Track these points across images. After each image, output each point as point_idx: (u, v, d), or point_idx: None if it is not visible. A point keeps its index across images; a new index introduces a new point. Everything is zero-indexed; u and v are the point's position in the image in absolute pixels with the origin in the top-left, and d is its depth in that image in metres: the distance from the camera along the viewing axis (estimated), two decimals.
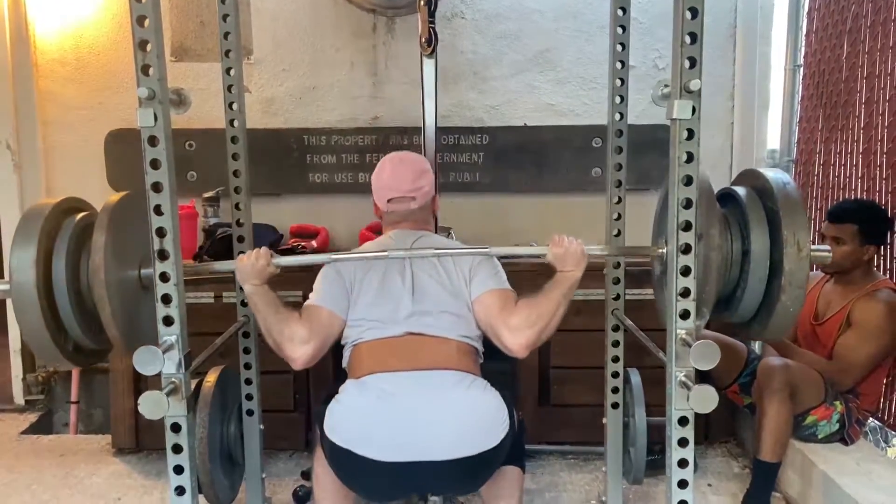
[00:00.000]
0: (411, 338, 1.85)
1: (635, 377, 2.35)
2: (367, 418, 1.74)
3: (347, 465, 1.76)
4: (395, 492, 1.95)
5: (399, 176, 2.04)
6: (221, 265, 2.00)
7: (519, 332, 1.79)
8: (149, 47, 1.53)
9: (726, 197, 1.89)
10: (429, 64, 2.65)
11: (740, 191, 1.84)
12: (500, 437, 1.77)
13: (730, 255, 1.78)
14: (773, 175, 1.78)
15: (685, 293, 1.58)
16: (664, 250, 1.89)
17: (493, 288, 1.90)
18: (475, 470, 1.80)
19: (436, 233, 2.26)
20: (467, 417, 1.76)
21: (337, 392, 1.84)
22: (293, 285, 2.99)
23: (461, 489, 1.96)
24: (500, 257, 2.04)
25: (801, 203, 1.73)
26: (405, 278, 1.92)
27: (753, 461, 2.56)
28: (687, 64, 1.49)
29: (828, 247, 1.81)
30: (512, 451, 1.93)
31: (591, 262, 2.94)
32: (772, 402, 2.42)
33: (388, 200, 2.05)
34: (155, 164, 1.57)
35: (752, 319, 1.84)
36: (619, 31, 2.21)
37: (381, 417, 1.74)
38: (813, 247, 1.69)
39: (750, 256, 1.75)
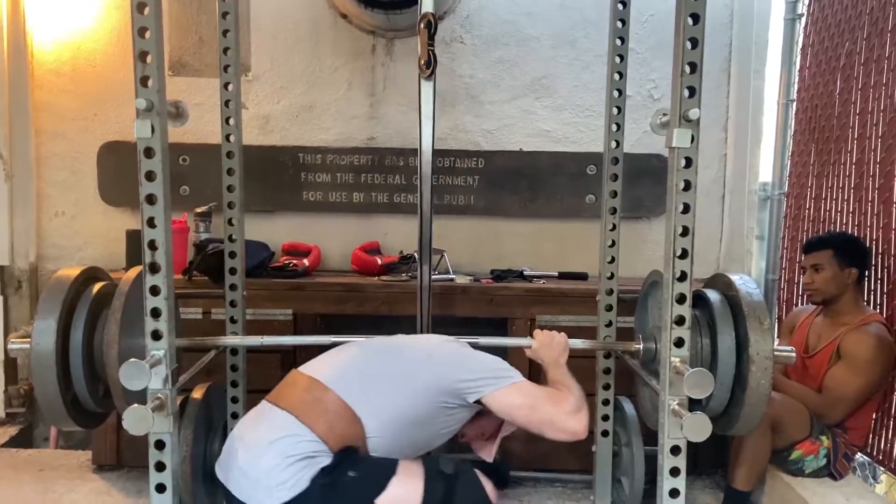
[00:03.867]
0: (313, 382, 1.81)
1: (628, 406, 2.34)
2: (230, 440, 1.83)
3: None
4: None
5: None
6: None
7: (580, 415, 1.81)
8: (149, 59, 1.53)
9: (697, 298, 1.97)
10: (427, 86, 2.65)
11: (711, 295, 1.95)
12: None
13: (699, 352, 1.89)
14: (741, 283, 1.91)
15: (680, 321, 1.58)
16: (640, 346, 2.05)
17: (509, 385, 1.83)
18: None
19: None
20: (251, 469, 1.70)
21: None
22: (283, 303, 2.99)
23: None
24: (488, 346, 2.05)
25: (764, 309, 1.85)
26: (367, 346, 1.98)
27: (726, 486, 2.58)
28: (686, 93, 1.51)
29: (792, 347, 1.89)
30: None
31: (584, 289, 2.99)
32: (751, 433, 2.41)
33: None
34: (150, 175, 1.56)
35: (719, 416, 1.92)
36: (617, 60, 2.23)
37: (231, 443, 1.80)
38: (776, 347, 1.81)
39: (718, 353, 1.86)
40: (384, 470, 1.74)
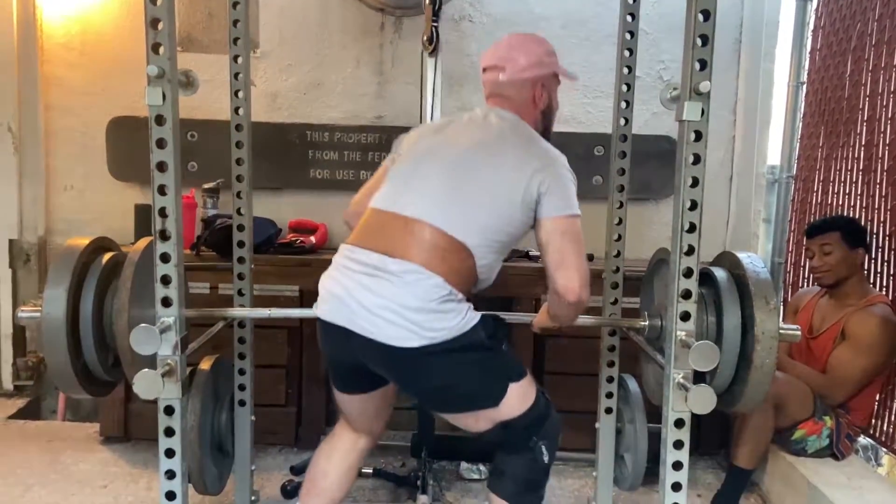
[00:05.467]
0: (401, 220, 1.72)
1: (632, 383, 2.35)
2: (328, 283, 1.75)
3: (319, 329, 1.80)
4: (344, 357, 1.80)
5: (498, 45, 1.95)
6: None
7: (588, 291, 1.73)
8: (160, 26, 1.53)
9: (703, 276, 1.95)
10: (430, 63, 2.66)
11: (718, 273, 1.92)
12: (413, 343, 1.62)
13: (705, 330, 1.87)
14: (749, 262, 1.87)
15: (686, 295, 1.58)
16: (646, 323, 2.04)
17: (561, 215, 1.73)
18: (391, 361, 1.69)
19: (544, 132, 1.97)
20: (380, 303, 1.63)
21: None
22: (290, 279, 3.00)
23: (388, 374, 1.77)
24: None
25: (771, 289, 1.81)
26: (445, 157, 1.80)
27: (728, 464, 2.60)
28: (697, 66, 1.50)
29: (797, 326, 1.86)
30: (515, 479, 1.80)
31: (590, 268, 2.99)
32: (755, 412, 2.43)
33: (483, 70, 1.96)
34: (161, 143, 1.57)
35: (723, 394, 1.89)
36: (628, 36, 2.22)
37: (335, 285, 1.72)
38: (782, 326, 1.77)
39: (723, 330, 1.83)
40: (520, 363, 1.81)
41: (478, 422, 1.76)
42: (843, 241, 2.58)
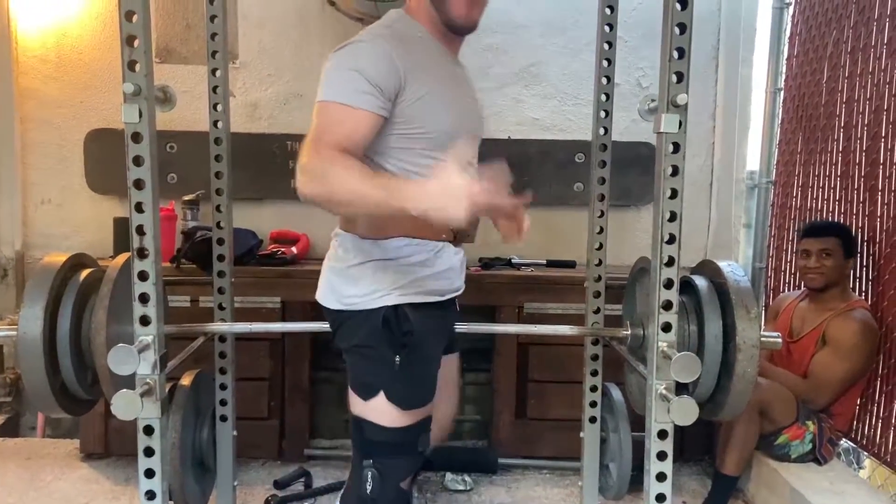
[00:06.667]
0: None
1: (615, 392, 2.35)
2: None
3: None
4: None
5: None
6: None
7: (302, 175, 1.57)
8: (136, 43, 1.51)
9: (684, 284, 1.94)
10: None
11: (699, 282, 1.91)
12: (330, 305, 1.76)
13: (686, 339, 1.85)
14: (729, 270, 1.85)
15: (667, 306, 1.58)
16: (628, 332, 2.01)
17: (316, 102, 1.64)
18: (325, 316, 1.83)
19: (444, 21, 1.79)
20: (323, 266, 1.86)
21: None
22: (272, 291, 2.98)
23: None
24: (476, 332, 2.03)
25: (752, 297, 1.79)
26: None
27: (714, 472, 2.61)
28: (674, 78, 1.51)
29: (778, 333, 1.85)
30: None
31: (572, 276, 3.01)
32: (739, 419, 2.45)
33: None
34: (138, 160, 1.54)
35: (705, 403, 1.88)
36: (606, 46, 2.22)
37: None
38: (763, 333, 1.75)
39: (705, 340, 1.82)
40: (422, 397, 1.71)
41: (351, 400, 1.74)
42: (841, 248, 2.60)
